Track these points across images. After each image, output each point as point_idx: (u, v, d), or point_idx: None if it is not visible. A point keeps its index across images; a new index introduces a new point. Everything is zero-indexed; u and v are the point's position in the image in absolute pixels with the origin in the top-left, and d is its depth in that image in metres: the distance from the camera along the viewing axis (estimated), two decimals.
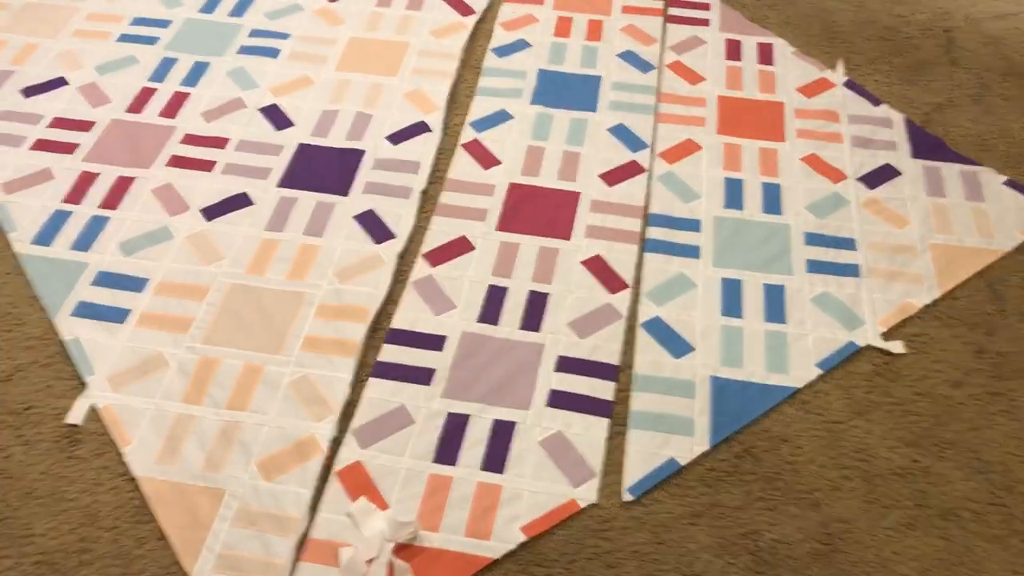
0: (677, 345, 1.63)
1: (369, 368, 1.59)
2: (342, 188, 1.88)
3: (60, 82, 2.10)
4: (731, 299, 1.70)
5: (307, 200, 1.85)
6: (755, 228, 1.83)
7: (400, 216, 1.83)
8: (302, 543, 1.37)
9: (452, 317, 1.66)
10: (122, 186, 1.87)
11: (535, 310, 1.67)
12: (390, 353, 1.61)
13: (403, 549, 1.36)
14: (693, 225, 1.83)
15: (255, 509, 1.40)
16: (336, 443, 1.49)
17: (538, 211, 1.85)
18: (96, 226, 1.79)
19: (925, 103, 2.13)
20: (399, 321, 1.66)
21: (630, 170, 1.94)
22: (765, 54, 2.24)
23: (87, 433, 1.50)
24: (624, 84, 2.14)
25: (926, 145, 2.02)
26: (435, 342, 1.62)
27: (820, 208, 1.87)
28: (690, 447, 1.50)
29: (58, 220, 1.80)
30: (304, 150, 1.96)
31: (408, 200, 1.86)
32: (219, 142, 1.97)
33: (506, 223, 1.82)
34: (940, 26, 2.35)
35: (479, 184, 1.90)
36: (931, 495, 1.45)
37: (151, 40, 2.22)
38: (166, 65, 2.15)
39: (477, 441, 1.49)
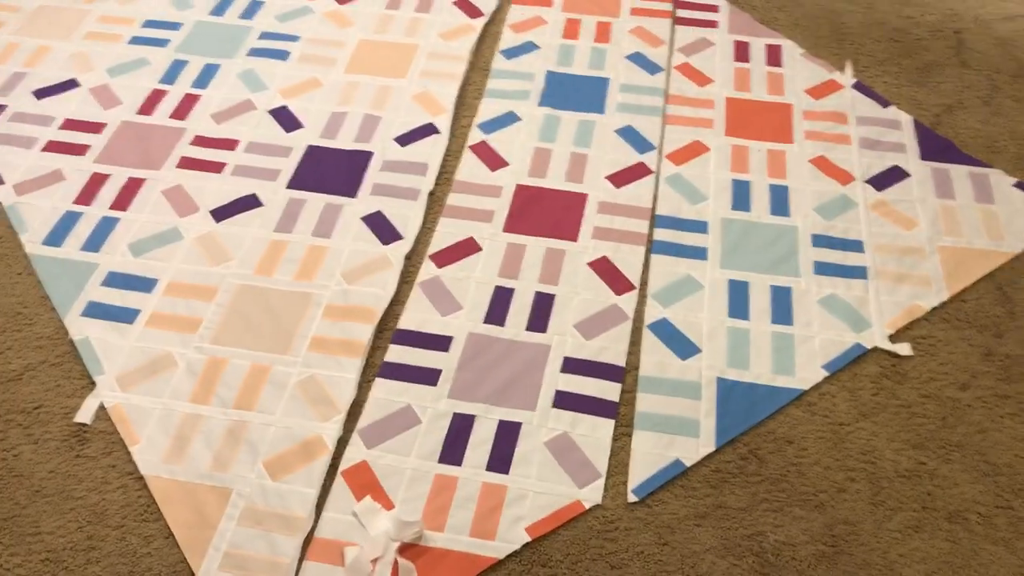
0: (683, 346, 1.63)
1: (376, 368, 1.60)
2: (350, 190, 1.88)
3: (72, 84, 2.12)
4: (738, 301, 1.70)
5: (315, 201, 1.86)
6: (762, 230, 1.83)
7: (408, 218, 1.84)
8: (308, 542, 1.38)
9: (458, 318, 1.67)
10: (132, 187, 1.88)
11: (541, 311, 1.68)
12: (396, 354, 1.61)
13: (408, 549, 1.37)
14: (700, 227, 1.83)
15: (261, 508, 1.41)
16: (342, 443, 1.50)
17: (545, 212, 1.85)
18: (106, 227, 1.81)
19: (934, 105, 2.12)
20: (406, 322, 1.66)
21: (637, 172, 1.94)
22: (774, 56, 2.24)
23: (96, 432, 1.51)
24: (632, 86, 2.14)
25: (935, 147, 2.01)
26: (441, 343, 1.63)
27: (828, 210, 1.87)
28: (695, 448, 1.50)
29: (69, 221, 1.82)
30: (313, 152, 1.97)
31: (416, 202, 1.87)
32: (229, 144, 1.98)
33: (513, 224, 1.83)
34: (950, 27, 2.35)
35: (486, 186, 1.90)
36: (937, 498, 1.45)
37: (162, 42, 2.24)
38: (177, 67, 2.17)
39: (482, 441, 1.50)
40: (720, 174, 1.94)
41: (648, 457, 1.49)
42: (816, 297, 1.71)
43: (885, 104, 2.11)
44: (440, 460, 1.47)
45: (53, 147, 1.97)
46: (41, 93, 2.09)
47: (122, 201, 1.86)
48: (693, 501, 1.44)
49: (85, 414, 1.52)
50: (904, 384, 1.60)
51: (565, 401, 1.55)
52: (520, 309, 1.68)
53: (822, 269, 1.76)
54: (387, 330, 1.66)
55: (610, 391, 1.56)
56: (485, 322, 1.66)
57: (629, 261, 1.77)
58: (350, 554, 1.35)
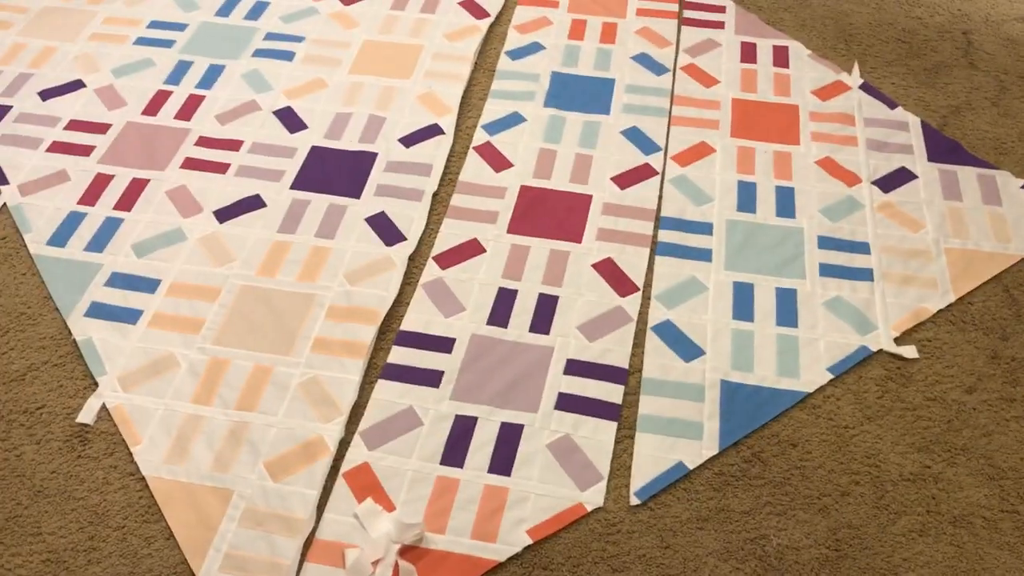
0: (687, 349, 1.62)
1: (378, 370, 1.59)
2: (354, 190, 1.88)
3: (77, 85, 2.12)
4: (742, 303, 1.69)
5: (319, 202, 1.86)
6: (768, 232, 1.82)
7: (411, 219, 1.83)
8: (308, 544, 1.38)
9: (461, 319, 1.66)
10: (136, 188, 1.88)
11: (545, 313, 1.67)
12: (399, 355, 1.61)
13: (409, 551, 1.36)
14: (705, 228, 1.83)
15: (262, 509, 1.40)
16: (344, 444, 1.49)
17: (549, 214, 1.84)
18: (110, 227, 1.81)
19: (942, 106, 2.11)
20: (409, 323, 1.66)
21: (642, 173, 1.93)
22: (780, 57, 2.23)
23: (97, 432, 1.51)
24: (638, 87, 2.13)
25: (942, 148, 2.00)
26: (444, 344, 1.62)
27: (834, 212, 1.86)
28: (698, 451, 1.49)
29: (73, 221, 1.82)
30: (317, 152, 1.96)
31: (420, 203, 1.86)
32: (233, 144, 1.98)
33: (517, 226, 1.82)
34: (958, 28, 2.33)
35: (490, 187, 1.90)
36: (942, 501, 1.44)
37: (167, 43, 2.24)
38: (182, 68, 2.17)
39: (484, 443, 1.49)
40: (726, 175, 1.93)
41: (651, 460, 1.48)
42: (821, 299, 1.70)
43: (893, 105, 2.10)
44: (442, 462, 1.47)
45: (58, 148, 1.97)
46: (46, 94, 2.10)
47: (126, 202, 1.86)
48: (696, 504, 1.43)
49: (87, 414, 1.53)
50: (909, 387, 1.58)
51: (568, 403, 1.54)
52: (523, 311, 1.67)
53: (828, 271, 1.75)
54: (390, 331, 1.65)
55: (613, 393, 1.56)
56: (488, 324, 1.65)
57: (633, 263, 1.76)
58: (351, 556, 1.35)
